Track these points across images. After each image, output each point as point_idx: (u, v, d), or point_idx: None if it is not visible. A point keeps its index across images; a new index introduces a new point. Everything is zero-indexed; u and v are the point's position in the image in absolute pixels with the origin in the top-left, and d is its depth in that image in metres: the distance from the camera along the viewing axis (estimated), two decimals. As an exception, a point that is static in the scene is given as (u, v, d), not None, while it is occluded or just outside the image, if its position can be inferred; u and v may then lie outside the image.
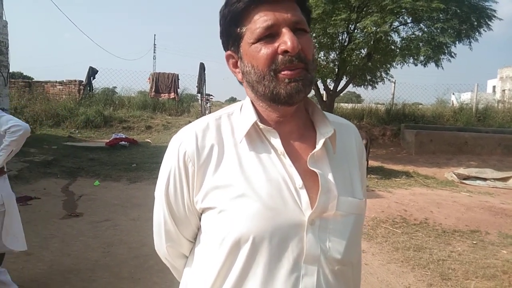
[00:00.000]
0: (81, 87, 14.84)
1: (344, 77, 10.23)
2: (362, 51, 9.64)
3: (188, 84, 16.51)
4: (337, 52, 9.79)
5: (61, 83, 15.04)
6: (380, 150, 10.77)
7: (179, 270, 1.00)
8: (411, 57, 8.93)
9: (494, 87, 29.23)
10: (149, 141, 11.35)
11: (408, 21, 9.17)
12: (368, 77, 11.14)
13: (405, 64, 9.37)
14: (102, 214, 4.93)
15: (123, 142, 10.16)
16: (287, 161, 0.84)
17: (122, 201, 5.60)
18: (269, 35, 0.81)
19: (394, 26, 9.02)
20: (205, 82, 14.42)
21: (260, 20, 0.82)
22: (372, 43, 8.68)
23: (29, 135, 2.77)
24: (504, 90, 25.59)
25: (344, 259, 0.84)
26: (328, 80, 10.46)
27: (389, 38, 9.03)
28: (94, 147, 9.72)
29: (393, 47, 9.23)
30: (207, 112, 12.31)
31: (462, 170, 8.04)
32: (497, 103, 15.89)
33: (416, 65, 9.21)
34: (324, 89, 10.79)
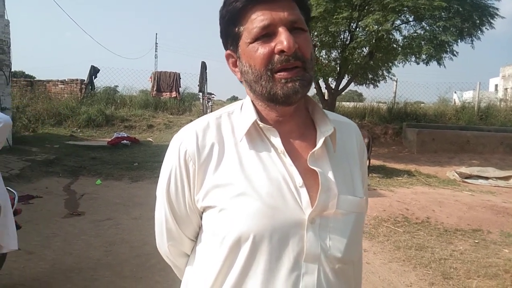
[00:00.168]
0: (83, 86, 14.84)
1: (346, 76, 10.19)
2: (364, 49, 9.59)
3: (189, 83, 16.68)
4: (339, 51, 9.76)
5: (63, 82, 15.04)
6: (382, 149, 10.75)
7: (180, 269, 1.00)
8: (413, 56, 8.88)
9: (496, 85, 29.19)
10: (151, 140, 11.36)
11: (410, 19, 9.12)
12: (370, 76, 11.08)
13: (407, 62, 9.31)
14: (104, 213, 4.94)
15: (125, 141, 10.18)
16: (287, 159, 0.84)
17: (124, 200, 5.61)
18: (266, 34, 0.81)
19: (396, 25, 8.97)
20: (206, 81, 14.44)
21: (257, 20, 0.82)
22: (374, 41, 8.64)
23: (11, 127, 2.64)
24: (506, 89, 25.54)
25: (345, 257, 0.84)
26: (330, 79, 10.41)
27: (391, 36, 8.98)
28: (96, 146, 9.74)
29: (395, 45, 9.17)
30: (208, 111, 12.30)
31: (464, 169, 8.02)
32: (499, 101, 15.82)
33: (418, 63, 9.17)
34: (325, 88, 10.74)
